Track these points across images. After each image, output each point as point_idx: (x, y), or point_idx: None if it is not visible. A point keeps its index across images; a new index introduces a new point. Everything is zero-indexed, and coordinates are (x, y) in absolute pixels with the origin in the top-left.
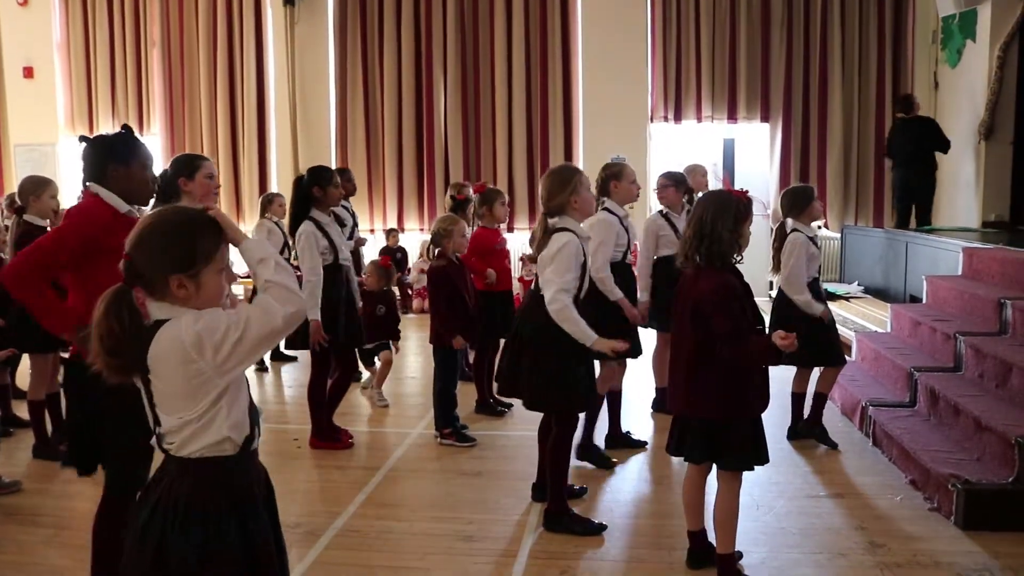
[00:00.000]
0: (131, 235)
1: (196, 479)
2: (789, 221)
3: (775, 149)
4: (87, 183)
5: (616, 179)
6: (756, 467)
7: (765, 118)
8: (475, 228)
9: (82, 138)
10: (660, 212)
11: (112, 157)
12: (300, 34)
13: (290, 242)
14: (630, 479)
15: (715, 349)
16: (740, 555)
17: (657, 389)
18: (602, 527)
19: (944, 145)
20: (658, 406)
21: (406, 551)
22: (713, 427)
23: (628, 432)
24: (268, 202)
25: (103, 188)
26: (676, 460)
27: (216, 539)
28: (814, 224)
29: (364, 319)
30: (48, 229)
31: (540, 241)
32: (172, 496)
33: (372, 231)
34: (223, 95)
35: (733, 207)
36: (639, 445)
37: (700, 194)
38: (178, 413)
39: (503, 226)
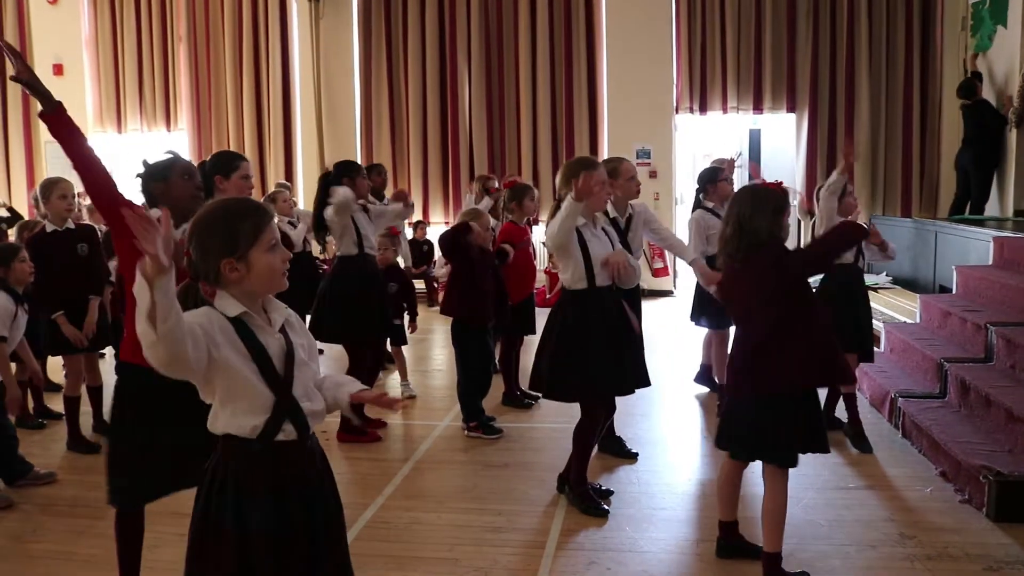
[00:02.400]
0: (187, 235)
1: (219, 453)
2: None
3: (801, 139)
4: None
5: (612, 176)
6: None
7: (791, 108)
8: (503, 222)
9: (138, 175)
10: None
11: (152, 177)
12: (325, 28)
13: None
14: (658, 471)
15: (793, 318)
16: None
17: (702, 365)
18: (605, 511)
19: (1001, 120)
20: (700, 379)
21: (435, 542)
22: (764, 417)
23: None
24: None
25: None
26: (704, 452)
27: (216, 512)
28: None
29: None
30: (57, 230)
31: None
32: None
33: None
34: (249, 90)
35: (771, 200)
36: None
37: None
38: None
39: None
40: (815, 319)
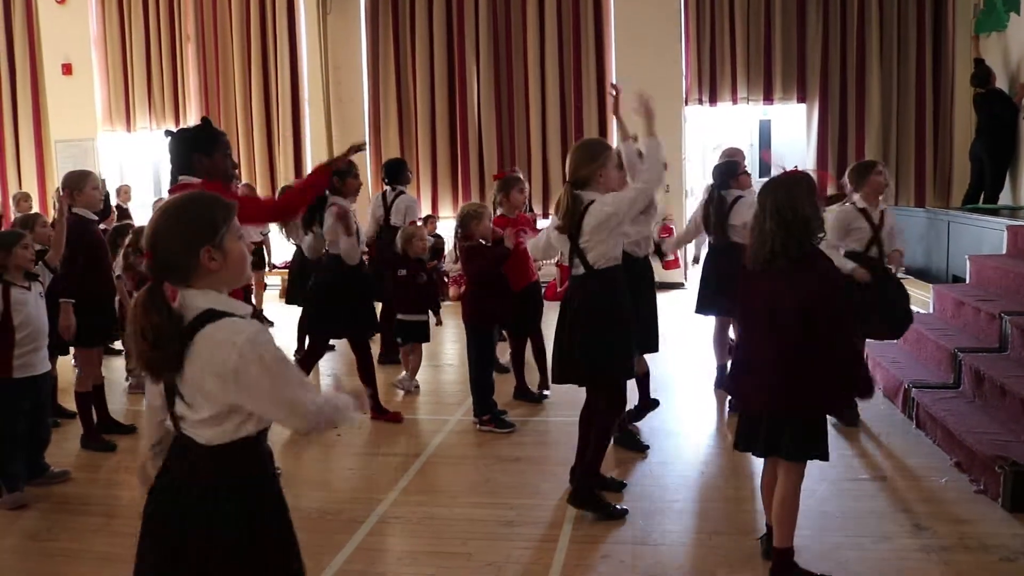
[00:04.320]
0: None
1: (220, 463)
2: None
3: (812, 130)
4: (177, 175)
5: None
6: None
7: (801, 99)
8: (494, 216)
9: (167, 132)
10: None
11: (196, 148)
12: (333, 24)
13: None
14: (671, 464)
15: (826, 344)
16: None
17: (718, 367)
18: (624, 511)
19: (1014, 108)
20: (720, 383)
21: (448, 536)
22: (813, 420)
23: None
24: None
25: (192, 177)
26: (717, 444)
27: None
28: (881, 197)
29: (406, 290)
30: (96, 221)
31: (569, 212)
32: (198, 480)
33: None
34: (258, 87)
35: (804, 184)
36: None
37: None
38: (204, 410)
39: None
40: (848, 336)
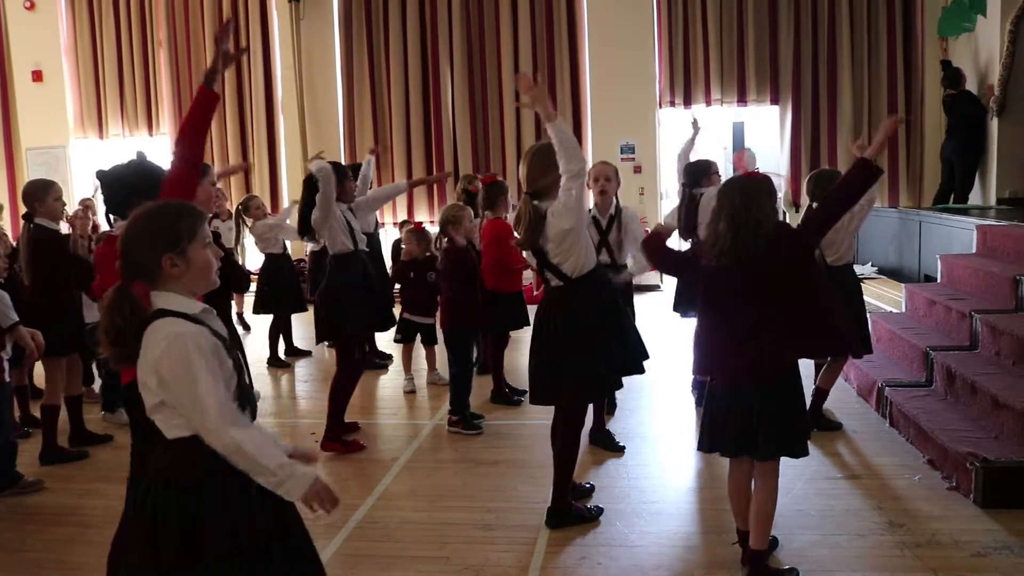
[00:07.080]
0: (120, 236)
1: (176, 454)
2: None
3: (785, 131)
4: (116, 215)
5: None
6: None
7: (775, 100)
8: (483, 220)
9: (97, 173)
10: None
11: (135, 192)
12: (306, 30)
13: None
14: (648, 465)
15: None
16: (776, 542)
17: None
18: (599, 511)
19: (983, 109)
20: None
21: (426, 541)
22: (783, 413)
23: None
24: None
25: None
26: (693, 446)
27: (196, 506)
28: None
29: (417, 291)
30: (59, 231)
31: (532, 226)
32: (159, 472)
33: (383, 224)
34: (231, 93)
35: (762, 187)
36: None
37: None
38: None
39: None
40: (818, 289)
